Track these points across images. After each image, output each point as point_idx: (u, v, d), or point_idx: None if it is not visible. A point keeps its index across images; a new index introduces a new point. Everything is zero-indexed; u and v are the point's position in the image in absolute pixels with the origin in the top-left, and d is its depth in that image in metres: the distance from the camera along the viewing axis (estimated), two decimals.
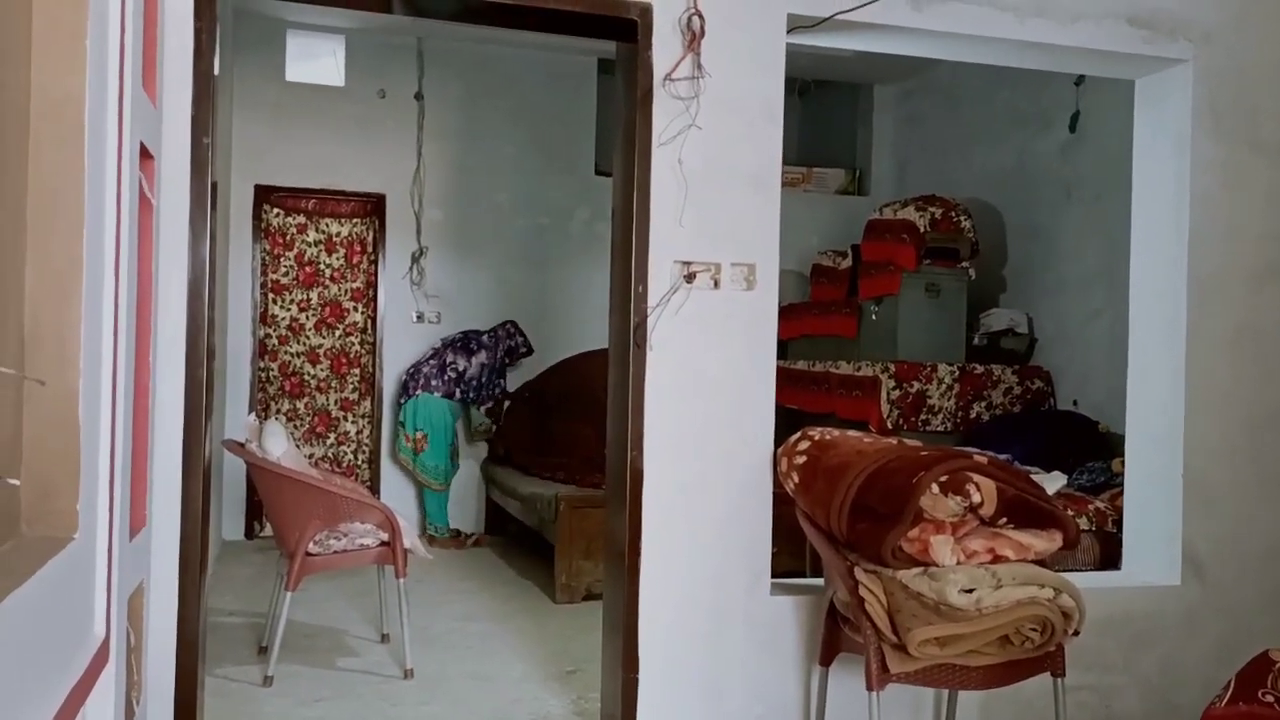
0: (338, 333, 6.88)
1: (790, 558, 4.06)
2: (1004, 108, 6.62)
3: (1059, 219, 6.12)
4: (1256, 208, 3.68)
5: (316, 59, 6.70)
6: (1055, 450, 5.26)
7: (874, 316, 6.27)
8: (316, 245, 6.82)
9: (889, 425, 5.69)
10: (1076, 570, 3.96)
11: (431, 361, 6.58)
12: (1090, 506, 4.64)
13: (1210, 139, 3.63)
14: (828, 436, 3.12)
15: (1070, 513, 3.46)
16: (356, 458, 6.89)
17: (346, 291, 6.89)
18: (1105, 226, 5.60)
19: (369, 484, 6.69)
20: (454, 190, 6.95)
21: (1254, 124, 3.67)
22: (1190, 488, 3.60)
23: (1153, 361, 3.74)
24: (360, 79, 6.76)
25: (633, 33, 3.15)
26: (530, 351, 6.86)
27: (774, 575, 3.31)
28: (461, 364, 6.55)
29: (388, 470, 6.76)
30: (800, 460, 3.05)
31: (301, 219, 6.80)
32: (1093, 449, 5.34)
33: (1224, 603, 3.63)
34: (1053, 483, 4.55)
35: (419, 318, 6.86)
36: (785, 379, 5.59)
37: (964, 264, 6.14)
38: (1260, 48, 3.68)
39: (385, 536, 4.04)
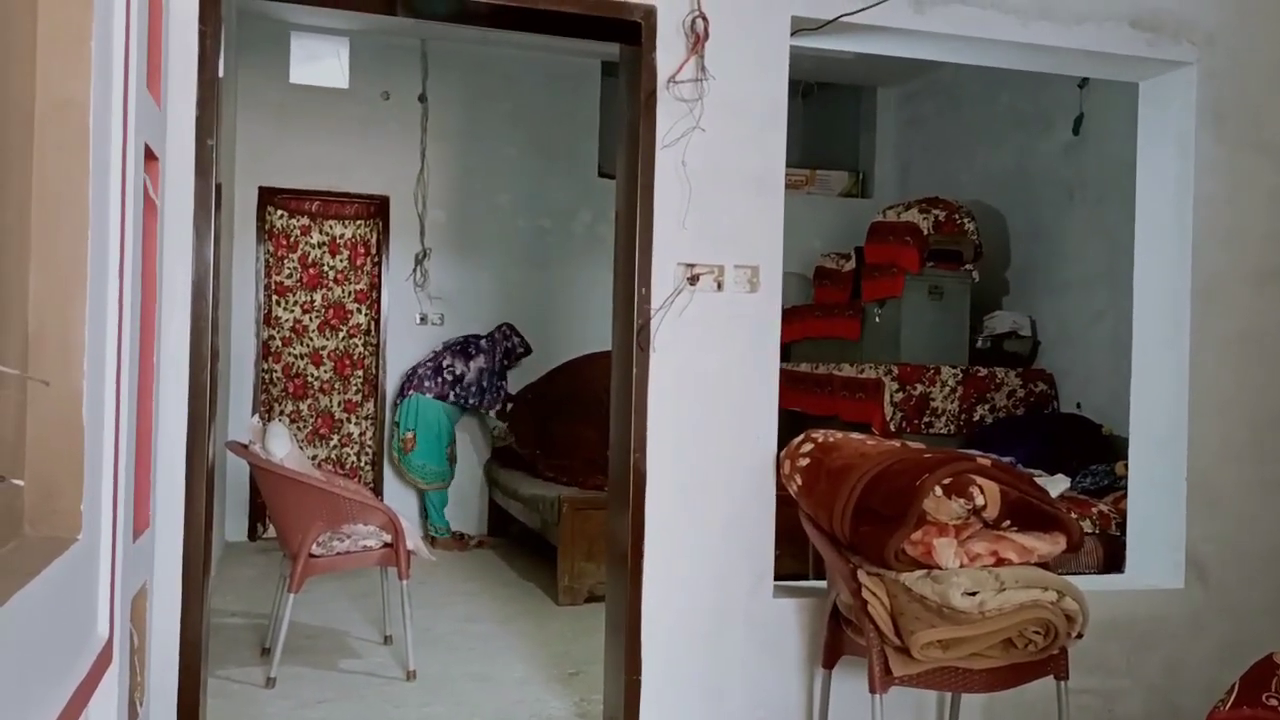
0: (341, 334, 6.88)
1: (793, 560, 4.05)
2: (1006, 110, 6.62)
3: (1062, 221, 6.12)
4: (1260, 209, 3.67)
5: (320, 61, 6.71)
6: (1058, 453, 5.26)
7: (877, 319, 6.27)
8: (320, 247, 6.83)
9: (892, 428, 5.68)
10: (1080, 573, 3.95)
11: (429, 363, 6.59)
12: (1094, 509, 4.63)
13: (1213, 141, 3.62)
14: (831, 439, 3.11)
15: (1073, 516, 3.45)
16: (360, 459, 6.89)
17: (350, 293, 6.89)
18: (1108, 228, 5.60)
19: (372, 485, 6.69)
20: (457, 192, 6.95)
21: (1257, 126, 3.67)
22: (1194, 490, 3.60)
23: (1156, 364, 3.73)
24: (364, 81, 6.77)
25: (637, 35, 3.15)
26: (528, 351, 6.86)
27: (777, 577, 3.31)
28: (459, 368, 6.55)
29: (390, 472, 6.76)
30: (803, 463, 3.05)
31: (305, 220, 6.80)
32: (1096, 452, 5.33)
33: (1228, 606, 3.62)
34: (1056, 485, 4.56)
35: (422, 319, 6.86)
36: (788, 381, 5.58)
37: (967, 266, 6.14)
38: (1263, 50, 3.67)
39: (388, 538, 4.05)
